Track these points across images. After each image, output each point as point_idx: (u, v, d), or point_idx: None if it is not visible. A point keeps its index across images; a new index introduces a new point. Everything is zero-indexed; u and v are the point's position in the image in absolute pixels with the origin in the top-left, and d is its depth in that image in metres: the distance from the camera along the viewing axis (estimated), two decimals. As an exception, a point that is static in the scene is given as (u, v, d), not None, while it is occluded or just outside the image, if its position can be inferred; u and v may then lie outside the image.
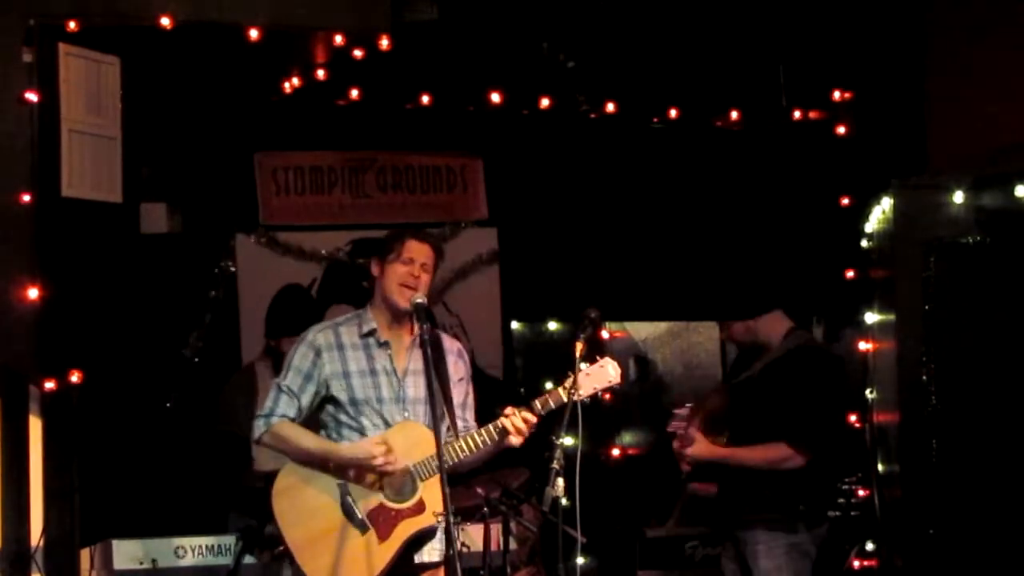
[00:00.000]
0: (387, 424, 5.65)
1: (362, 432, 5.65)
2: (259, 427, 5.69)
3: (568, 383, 5.45)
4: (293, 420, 5.68)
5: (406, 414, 5.65)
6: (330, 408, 5.72)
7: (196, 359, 8.72)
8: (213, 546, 6.62)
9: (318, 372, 5.68)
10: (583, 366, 5.51)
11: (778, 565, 6.50)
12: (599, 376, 5.58)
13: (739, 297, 7.02)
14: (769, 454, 6.52)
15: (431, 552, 5.66)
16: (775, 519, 6.52)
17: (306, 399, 5.69)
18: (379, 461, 5.53)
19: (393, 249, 5.71)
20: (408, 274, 5.67)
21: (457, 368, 5.80)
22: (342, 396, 5.67)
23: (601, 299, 6.01)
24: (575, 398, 5.42)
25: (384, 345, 5.72)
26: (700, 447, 6.64)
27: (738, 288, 7.12)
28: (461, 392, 5.80)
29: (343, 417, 5.69)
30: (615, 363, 5.62)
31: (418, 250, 5.70)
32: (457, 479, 5.84)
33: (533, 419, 5.54)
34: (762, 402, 6.64)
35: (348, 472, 5.58)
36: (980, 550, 7.54)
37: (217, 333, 8.82)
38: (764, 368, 6.71)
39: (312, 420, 5.84)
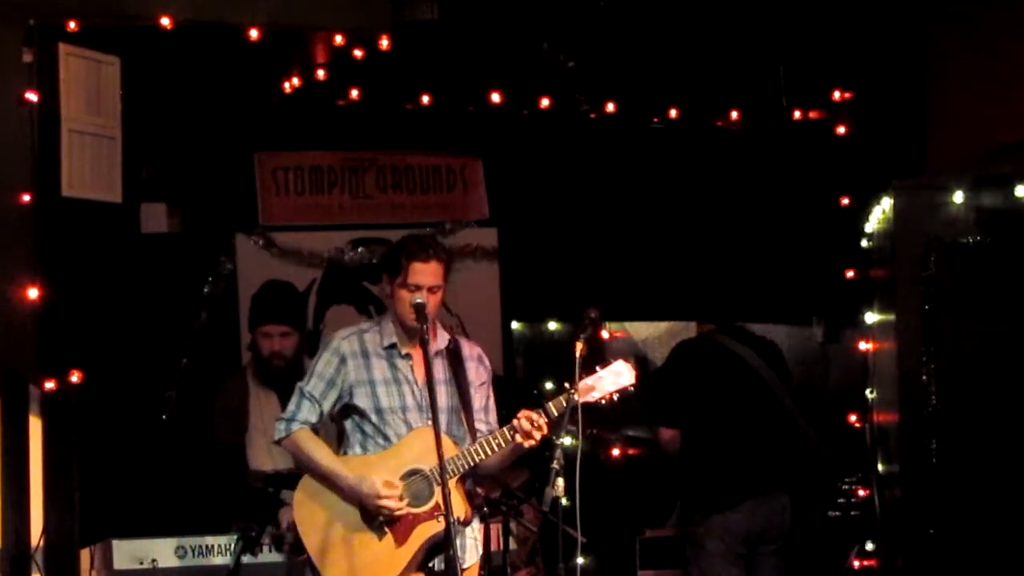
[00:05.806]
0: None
1: (387, 440, 5.65)
2: (280, 430, 5.71)
3: (580, 386, 5.46)
4: (315, 425, 5.70)
5: (429, 422, 5.59)
6: (355, 418, 5.72)
7: (193, 361, 8.71)
8: (213, 546, 6.62)
9: (342, 379, 5.68)
10: (598, 368, 5.55)
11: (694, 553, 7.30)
12: (614, 379, 5.59)
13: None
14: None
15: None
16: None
17: (328, 405, 5.69)
18: (382, 503, 5.52)
19: (400, 271, 5.61)
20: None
21: (478, 373, 5.80)
22: (367, 404, 5.66)
23: (601, 299, 6.02)
24: (591, 400, 5.48)
25: (406, 357, 5.72)
26: None
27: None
28: (483, 396, 5.80)
29: (367, 427, 5.69)
30: (629, 365, 5.63)
31: (423, 274, 5.59)
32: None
33: (544, 423, 5.50)
34: None
35: (350, 498, 5.59)
36: (980, 550, 7.55)
37: (216, 333, 8.81)
38: None
39: (331, 431, 5.88)
